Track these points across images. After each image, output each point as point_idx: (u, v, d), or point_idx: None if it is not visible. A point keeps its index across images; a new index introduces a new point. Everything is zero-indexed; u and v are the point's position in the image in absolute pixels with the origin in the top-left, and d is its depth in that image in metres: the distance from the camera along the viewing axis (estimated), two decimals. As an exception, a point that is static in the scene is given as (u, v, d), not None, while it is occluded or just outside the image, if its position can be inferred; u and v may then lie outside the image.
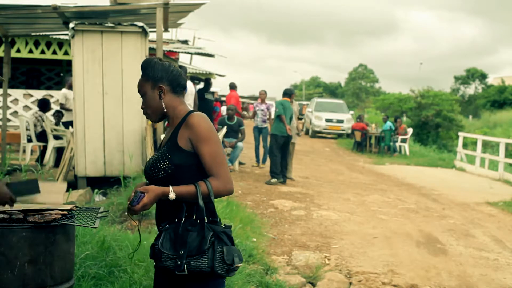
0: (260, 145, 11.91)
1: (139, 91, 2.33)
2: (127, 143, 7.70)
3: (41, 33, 11.61)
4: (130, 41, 7.63)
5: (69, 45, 10.95)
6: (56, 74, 16.45)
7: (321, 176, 11.56)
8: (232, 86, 12.44)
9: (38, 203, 2.71)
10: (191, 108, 2.38)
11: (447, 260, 5.70)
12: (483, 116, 36.69)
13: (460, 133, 17.03)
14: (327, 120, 22.04)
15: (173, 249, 2.13)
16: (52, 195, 2.82)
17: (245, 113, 23.21)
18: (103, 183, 7.50)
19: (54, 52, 12.85)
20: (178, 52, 16.22)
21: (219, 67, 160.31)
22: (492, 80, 51.89)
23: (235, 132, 10.57)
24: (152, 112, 2.32)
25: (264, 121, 11.55)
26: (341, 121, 22.03)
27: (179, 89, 2.33)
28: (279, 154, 9.68)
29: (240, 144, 10.47)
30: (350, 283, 4.94)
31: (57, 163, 9.23)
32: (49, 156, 9.50)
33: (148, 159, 2.35)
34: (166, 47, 14.82)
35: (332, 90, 70.84)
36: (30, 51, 12.71)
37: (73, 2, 7.84)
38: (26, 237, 2.38)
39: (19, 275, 2.36)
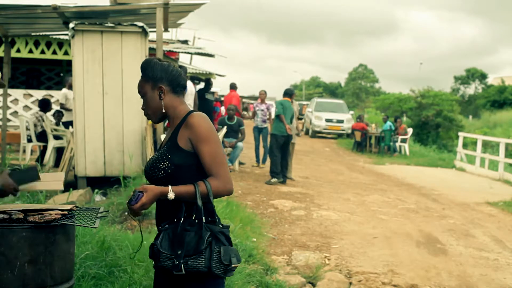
0: (260, 145, 11.91)
1: (139, 92, 2.33)
2: (127, 143, 7.70)
3: (41, 33, 11.61)
4: (130, 41, 7.63)
5: (69, 45, 10.95)
6: (56, 74, 16.45)
7: (321, 176, 11.56)
8: (233, 86, 12.44)
9: (40, 196, 2.71)
10: (191, 108, 2.38)
11: (447, 260, 5.70)
12: (483, 116, 36.70)
13: (460, 133, 17.03)
14: (327, 120, 22.03)
15: (171, 249, 2.14)
16: (52, 183, 2.85)
17: (245, 113, 23.23)
18: (103, 183, 7.50)
19: (54, 52, 12.84)
20: (178, 52, 16.22)
21: (219, 67, 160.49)
22: (492, 80, 51.91)
23: (235, 132, 10.57)
24: (153, 113, 2.33)
25: (264, 121, 11.55)
26: (341, 121, 22.03)
27: (179, 89, 2.33)
28: (279, 154, 9.69)
29: (240, 144, 10.47)
30: (350, 283, 4.94)
31: (57, 163, 9.23)
32: (49, 156, 9.50)
33: (148, 159, 2.35)
34: (166, 47, 14.82)
35: (332, 90, 70.83)
36: (30, 51, 12.71)
37: (73, 2, 7.84)
38: (26, 237, 2.38)
39: (19, 275, 2.36)
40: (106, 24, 7.64)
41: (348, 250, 5.88)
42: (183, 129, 2.24)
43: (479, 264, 5.63)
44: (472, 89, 53.17)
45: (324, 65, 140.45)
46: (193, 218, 2.16)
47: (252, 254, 5.16)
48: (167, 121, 2.39)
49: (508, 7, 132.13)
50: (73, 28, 7.48)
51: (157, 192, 2.14)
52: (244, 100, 32.86)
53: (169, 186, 2.15)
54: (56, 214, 2.51)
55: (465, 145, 17.96)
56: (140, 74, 2.34)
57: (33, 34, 11.54)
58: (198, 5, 8.05)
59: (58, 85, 15.82)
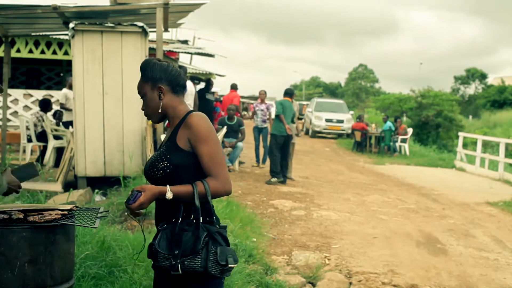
0: (260, 145, 11.91)
1: (139, 92, 2.34)
2: (127, 143, 7.70)
3: (41, 33, 11.61)
4: (130, 41, 7.63)
5: (69, 45, 10.95)
6: (56, 74, 16.45)
7: (321, 176, 11.56)
8: (233, 87, 12.44)
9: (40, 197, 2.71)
10: (191, 108, 2.39)
11: (447, 260, 5.70)
12: (483, 116, 36.70)
13: (460, 133, 17.03)
14: (327, 120, 22.03)
15: (168, 249, 2.14)
16: (51, 185, 2.91)
17: (245, 113, 23.23)
18: (103, 183, 7.50)
19: (54, 52, 12.85)
20: (178, 52, 16.22)
21: (219, 67, 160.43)
22: (492, 80, 51.91)
23: (235, 132, 10.57)
24: (152, 113, 2.33)
25: (264, 121, 11.55)
26: (341, 121, 22.03)
27: (179, 89, 2.33)
28: (278, 154, 9.69)
29: (240, 144, 10.47)
30: (350, 283, 4.94)
31: (57, 163, 9.23)
32: (49, 156, 9.50)
33: (148, 159, 2.35)
34: (166, 47, 14.82)
35: (332, 90, 70.84)
36: (30, 51, 12.71)
37: (73, 2, 7.84)
38: (26, 237, 2.38)
39: (19, 275, 2.36)
40: (106, 24, 7.64)
41: (348, 250, 5.88)
42: (182, 129, 2.24)
43: (479, 264, 5.63)
44: (472, 89, 53.22)
45: (324, 65, 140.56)
46: (192, 218, 2.16)
47: (252, 254, 5.16)
48: (167, 121, 2.39)
49: (508, 7, 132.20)
50: (73, 28, 7.48)
51: (155, 191, 2.15)
52: (244, 100, 32.86)
53: (167, 186, 2.15)
54: (56, 214, 2.51)
55: (465, 145, 17.96)
56: (140, 74, 2.34)
57: (33, 34, 11.54)
58: (198, 5, 8.05)
59: (58, 85, 15.82)
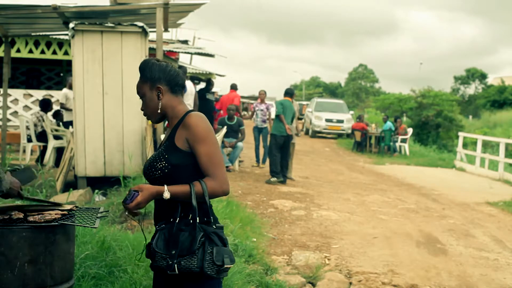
0: (260, 145, 11.91)
1: (138, 92, 2.34)
2: (127, 143, 7.70)
3: (41, 33, 11.61)
4: (130, 41, 7.63)
5: (69, 45, 10.95)
6: (56, 74, 16.45)
7: (321, 176, 11.56)
8: (233, 87, 12.42)
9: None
10: (191, 108, 2.39)
11: (447, 260, 5.70)
12: (483, 116, 36.69)
13: (460, 133, 17.03)
14: (327, 120, 22.03)
15: (166, 249, 2.15)
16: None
17: (245, 113, 23.21)
18: (103, 183, 7.50)
19: (54, 52, 12.84)
20: (178, 52, 16.22)
21: (219, 67, 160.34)
22: (492, 80, 51.91)
23: (235, 132, 10.57)
24: (151, 113, 2.33)
25: (264, 121, 11.55)
26: (341, 121, 22.03)
27: (178, 89, 2.34)
28: (278, 154, 9.69)
29: (240, 144, 10.47)
30: (350, 283, 4.94)
31: (57, 163, 9.23)
32: (49, 156, 9.50)
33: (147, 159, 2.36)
34: (166, 47, 14.82)
35: (332, 90, 70.82)
36: (30, 51, 12.71)
37: (73, 2, 7.84)
38: (26, 237, 2.38)
39: (19, 275, 2.36)
40: (106, 24, 7.64)
41: (348, 250, 5.88)
42: (181, 129, 2.24)
43: (479, 264, 5.63)
44: (472, 89, 53.20)
45: (324, 65, 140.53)
46: (189, 218, 2.17)
47: (252, 254, 5.16)
48: (167, 121, 2.39)
49: (508, 7, 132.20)
50: (73, 28, 7.48)
51: (152, 191, 2.15)
52: (244, 100, 32.84)
53: (165, 186, 2.16)
54: (56, 214, 2.51)
55: (465, 145, 17.96)
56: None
57: (33, 34, 11.54)
58: (198, 5, 8.05)
59: (58, 85, 15.82)
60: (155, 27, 7.85)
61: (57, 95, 12.58)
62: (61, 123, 10.29)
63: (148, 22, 8.06)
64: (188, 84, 9.41)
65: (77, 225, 2.62)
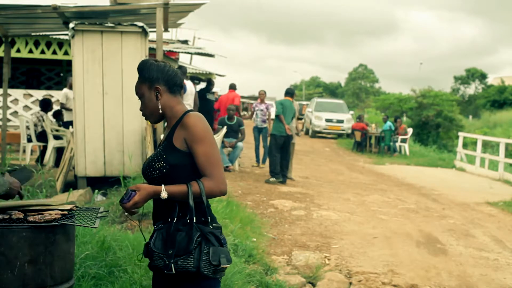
0: (260, 145, 11.91)
1: (136, 93, 2.35)
2: (127, 143, 7.70)
3: (41, 33, 11.61)
4: (130, 41, 7.63)
5: (69, 45, 10.94)
6: (56, 74, 16.45)
7: (321, 176, 11.56)
8: (232, 87, 12.42)
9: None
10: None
11: (447, 260, 5.70)
12: (483, 116, 36.70)
13: (460, 133, 17.04)
14: (327, 120, 22.04)
15: (163, 249, 2.16)
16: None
17: (244, 113, 23.21)
18: (103, 183, 7.50)
19: (54, 52, 12.84)
20: (178, 52, 16.22)
21: (219, 67, 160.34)
22: (492, 80, 51.92)
23: (235, 132, 10.57)
24: (150, 113, 2.34)
25: (263, 121, 11.55)
26: (341, 121, 22.03)
27: (176, 89, 2.34)
28: (278, 154, 9.68)
29: (240, 144, 10.47)
30: (350, 283, 4.94)
31: (57, 163, 9.23)
32: (49, 156, 9.50)
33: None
34: (166, 47, 14.82)
35: (332, 90, 70.83)
36: (30, 51, 12.71)
37: (73, 2, 7.84)
38: (26, 237, 2.37)
39: (19, 275, 2.36)
40: (106, 24, 7.64)
41: (348, 250, 5.88)
42: (179, 129, 2.25)
43: (479, 264, 5.63)
44: (472, 89, 53.21)
45: (324, 65, 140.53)
46: (187, 218, 2.17)
47: (252, 254, 5.16)
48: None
49: (508, 7, 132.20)
50: (73, 28, 7.48)
51: (150, 191, 2.16)
52: (244, 100, 32.82)
53: (162, 186, 2.16)
54: (56, 214, 2.51)
55: (465, 145, 17.96)
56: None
57: (33, 34, 11.54)
58: (198, 5, 8.05)
59: (58, 85, 15.82)
60: (155, 27, 7.84)
61: (57, 95, 12.58)
62: (61, 123, 10.29)
63: (148, 22, 8.06)
64: (188, 84, 9.41)
65: (77, 225, 2.62)
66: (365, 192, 9.66)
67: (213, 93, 13.10)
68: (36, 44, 12.74)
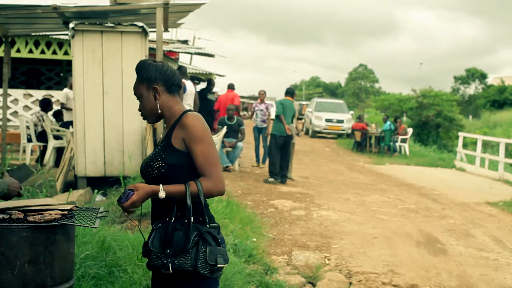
0: (260, 145, 11.91)
1: (135, 93, 2.36)
2: (127, 143, 7.70)
3: (41, 33, 11.61)
4: (130, 41, 7.63)
5: (69, 45, 10.94)
6: (56, 74, 16.45)
7: (321, 176, 11.56)
8: (231, 87, 12.41)
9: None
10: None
11: (447, 260, 5.70)
12: (483, 116, 36.70)
13: (460, 133, 17.04)
14: (327, 120, 22.04)
15: (161, 248, 2.17)
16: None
17: (244, 113, 23.21)
18: (103, 183, 7.49)
19: (54, 52, 12.84)
20: (178, 52, 16.22)
21: (219, 67, 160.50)
22: (492, 80, 51.92)
23: (235, 132, 10.57)
24: (148, 113, 2.35)
25: (263, 121, 11.55)
26: (341, 121, 22.03)
27: (174, 89, 2.35)
28: (278, 154, 9.67)
29: (240, 144, 10.48)
30: (350, 283, 4.94)
31: (57, 163, 9.23)
32: (49, 156, 9.50)
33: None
34: (166, 47, 14.81)
35: (332, 90, 70.83)
36: (30, 51, 12.71)
37: (73, 2, 7.84)
38: (26, 237, 2.38)
39: (19, 275, 2.36)
40: (106, 24, 7.64)
41: (348, 250, 5.88)
42: (178, 129, 2.25)
43: (479, 264, 5.63)
44: (472, 89, 53.22)
45: (324, 65, 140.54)
46: (185, 218, 2.18)
47: (252, 254, 5.16)
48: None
49: (508, 7, 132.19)
50: (73, 28, 7.48)
51: (148, 190, 2.17)
52: (244, 100, 32.80)
53: (160, 185, 2.17)
54: (56, 214, 2.51)
55: (465, 145, 17.96)
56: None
57: (33, 34, 11.54)
58: (198, 5, 8.05)
59: (58, 85, 15.82)
60: (155, 27, 7.84)
61: (57, 95, 12.58)
62: (61, 123, 10.29)
63: (148, 22, 8.06)
64: (188, 84, 9.41)
65: (77, 225, 2.62)
66: (365, 192, 9.66)
67: (214, 93, 13.09)
68: (36, 44, 12.73)
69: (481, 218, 8.05)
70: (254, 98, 31.66)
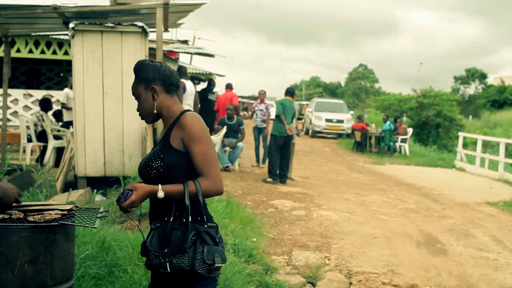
0: (260, 145, 11.91)
1: (133, 94, 2.37)
2: (127, 143, 7.70)
3: (41, 33, 11.61)
4: (130, 41, 7.63)
5: (69, 45, 10.94)
6: (56, 74, 16.45)
7: (321, 176, 11.56)
8: (229, 86, 12.40)
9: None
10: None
11: (447, 260, 5.70)
12: (483, 116, 36.70)
13: (460, 133, 17.04)
14: (327, 120, 22.04)
15: (159, 247, 2.18)
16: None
17: (245, 113, 23.22)
18: (103, 183, 7.50)
19: (54, 52, 12.84)
20: (178, 52, 16.21)
21: (219, 67, 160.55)
22: (492, 80, 51.93)
23: (235, 131, 10.57)
24: (147, 113, 2.36)
25: (263, 121, 11.55)
26: (341, 121, 22.03)
27: (172, 89, 2.35)
28: (277, 155, 9.66)
29: (240, 144, 10.48)
30: (350, 283, 4.94)
31: (57, 163, 9.23)
32: (49, 156, 9.50)
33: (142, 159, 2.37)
34: (166, 47, 14.81)
35: (332, 90, 70.85)
36: (30, 51, 12.71)
37: (73, 2, 7.83)
38: (26, 237, 2.37)
39: (19, 275, 2.36)
40: (106, 24, 7.64)
41: (348, 250, 5.88)
42: (176, 129, 2.26)
43: (479, 264, 5.63)
44: (472, 89, 53.23)
45: (324, 65, 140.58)
46: (183, 217, 2.19)
47: (252, 254, 5.16)
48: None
49: (508, 7, 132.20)
50: (73, 28, 7.48)
51: (147, 190, 2.17)
52: (244, 100, 32.80)
53: (159, 185, 2.18)
54: (56, 214, 2.51)
55: (465, 145, 17.96)
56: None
57: (33, 34, 11.54)
58: (198, 5, 8.05)
59: (58, 85, 15.82)
60: (155, 27, 7.84)
61: (57, 95, 12.59)
62: (61, 124, 10.29)
63: (148, 22, 8.05)
64: (188, 84, 9.41)
65: (77, 225, 2.62)
66: (365, 192, 9.66)
67: (214, 93, 13.10)
68: (36, 44, 12.73)
69: (481, 218, 8.05)
70: (254, 98, 31.66)
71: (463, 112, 35.17)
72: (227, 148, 10.34)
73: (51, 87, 15.80)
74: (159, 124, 7.82)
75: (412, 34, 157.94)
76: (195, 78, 15.78)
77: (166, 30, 8.76)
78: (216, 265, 2.14)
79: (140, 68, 2.34)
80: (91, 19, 8.24)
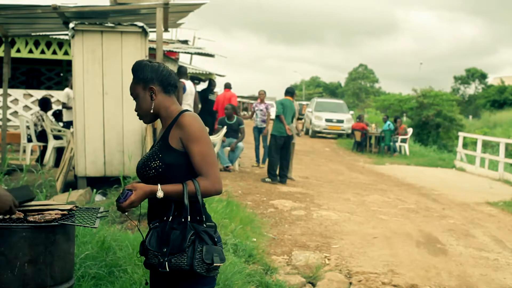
0: (260, 145, 11.91)
1: (131, 94, 2.37)
2: (127, 143, 7.70)
3: (41, 33, 11.61)
4: (130, 41, 7.62)
5: (69, 45, 10.94)
6: (56, 74, 16.45)
7: (321, 176, 11.56)
8: (228, 86, 12.39)
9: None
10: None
11: (447, 260, 5.70)
12: (483, 116, 36.70)
13: (460, 133, 17.04)
14: (327, 120, 22.04)
15: (158, 247, 2.18)
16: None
17: (244, 113, 23.22)
18: (103, 183, 7.50)
19: (54, 52, 12.84)
20: (178, 52, 16.21)
21: (219, 67, 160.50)
22: (492, 80, 51.93)
23: (235, 131, 10.57)
24: (145, 114, 2.37)
25: (263, 121, 11.55)
26: (341, 121, 22.03)
27: (171, 89, 2.36)
28: (277, 155, 9.65)
29: (240, 144, 10.47)
30: (350, 283, 4.94)
31: (57, 163, 9.23)
32: (49, 156, 9.50)
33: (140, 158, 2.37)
34: (166, 47, 14.81)
35: (332, 90, 70.85)
36: (30, 51, 12.71)
37: (73, 2, 7.83)
38: (26, 237, 2.38)
39: (19, 275, 2.36)
40: (106, 24, 7.64)
41: (348, 250, 5.88)
42: (175, 129, 2.27)
43: (479, 264, 5.63)
44: (472, 89, 53.24)
45: (324, 65, 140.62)
46: (182, 217, 2.19)
47: (252, 254, 5.16)
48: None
49: (508, 7, 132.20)
50: (73, 28, 7.48)
51: (146, 190, 2.18)
52: (244, 100, 32.82)
53: (158, 185, 2.18)
54: (56, 214, 2.51)
55: (465, 145, 17.96)
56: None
57: (33, 34, 11.54)
58: (198, 5, 8.05)
59: (58, 85, 15.82)
60: (155, 27, 7.84)
61: (57, 95, 12.59)
62: (61, 124, 10.29)
63: (148, 22, 8.05)
64: (188, 84, 9.40)
65: (77, 225, 2.62)
66: (365, 192, 9.66)
67: (215, 93, 13.09)
68: (36, 44, 12.73)
69: (481, 218, 8.04)
70: (254, 98, 31.65)
71: (463, 112, 35.17)
72: (227, 148, 10.33)
73: (51, 87, 15.80)
74: (159, 124, 7.81)
75: (412, 34, 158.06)
76: (195, 78, 15.77)
77: (166, 30, 8.76)
78: (215, 264, 2.14)
79: (138, 68, 2.35)
80: (91, 19, 8.24)
